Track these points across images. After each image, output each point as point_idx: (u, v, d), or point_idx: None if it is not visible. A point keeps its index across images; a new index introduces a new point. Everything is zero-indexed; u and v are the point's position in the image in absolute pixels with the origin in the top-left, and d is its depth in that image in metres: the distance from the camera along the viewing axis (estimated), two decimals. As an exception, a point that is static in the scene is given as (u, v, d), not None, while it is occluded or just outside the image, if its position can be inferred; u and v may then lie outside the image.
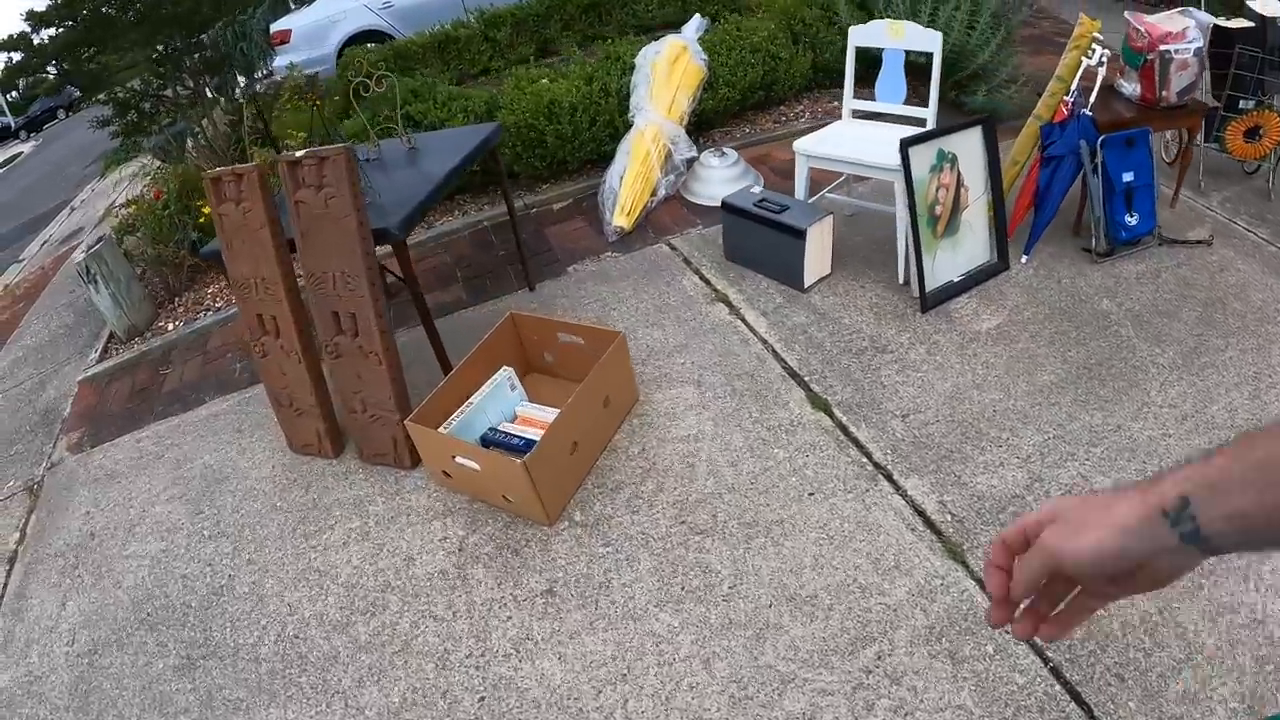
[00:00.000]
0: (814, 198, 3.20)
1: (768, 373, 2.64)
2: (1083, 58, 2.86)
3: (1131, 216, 2.93)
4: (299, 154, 2.14)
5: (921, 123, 2.94)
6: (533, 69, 4.32)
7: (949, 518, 1.98)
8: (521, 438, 2.30)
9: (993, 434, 2.21)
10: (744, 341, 2.83)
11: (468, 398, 2.49)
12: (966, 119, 2.95)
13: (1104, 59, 2.90)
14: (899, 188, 2.77)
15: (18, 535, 2.87)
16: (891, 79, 3.08)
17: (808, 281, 3.05)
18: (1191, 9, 3.05)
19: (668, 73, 3.88)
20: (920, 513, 2.00)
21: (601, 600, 2.01)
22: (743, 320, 2.95)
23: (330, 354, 2.37)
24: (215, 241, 2.46)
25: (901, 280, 2.96)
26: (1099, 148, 2.88)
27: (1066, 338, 2.57)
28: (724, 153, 3.84)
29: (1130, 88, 3.01)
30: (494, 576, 2.14)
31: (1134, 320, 2.61)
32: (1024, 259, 2.97)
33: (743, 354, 2.75)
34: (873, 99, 3.13)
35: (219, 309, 3.90)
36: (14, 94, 24.16)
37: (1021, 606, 0.62)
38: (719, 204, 3.68)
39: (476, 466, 2.18)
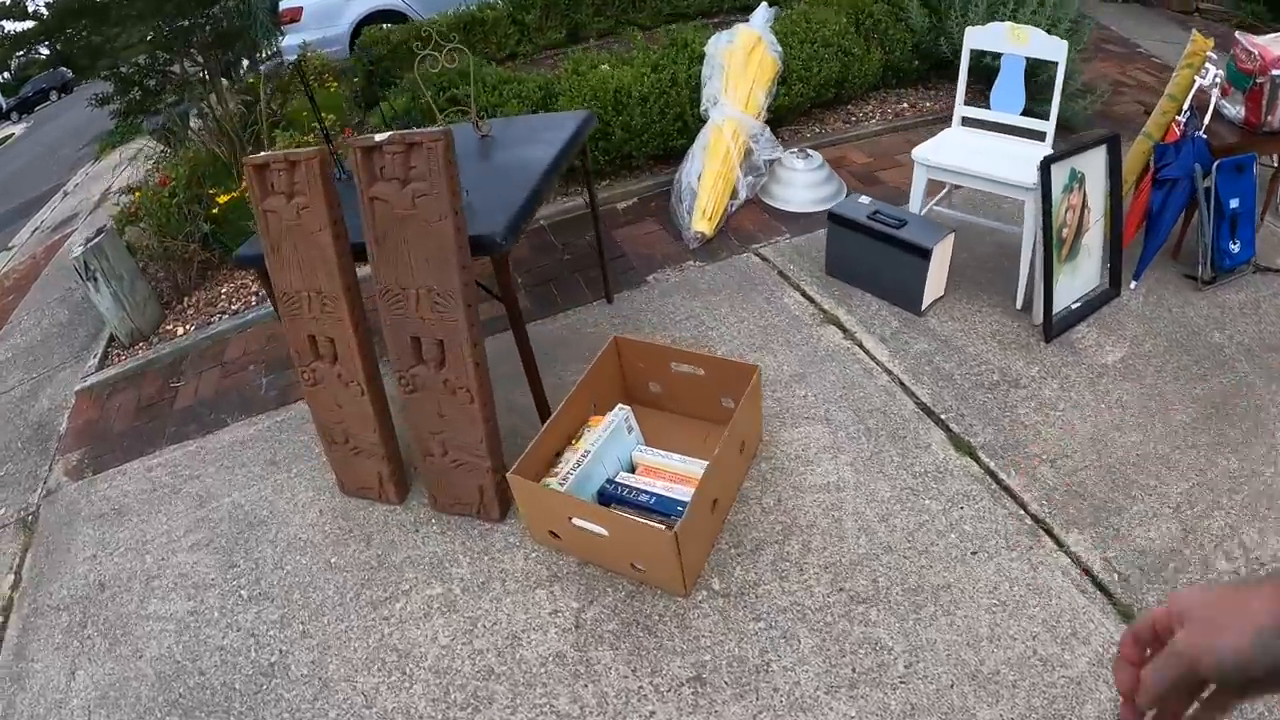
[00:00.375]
0: (923, 210, 2.84)
1: (900, 409, 2.34)
2: (1195, 77, 2.62)
3: (1235, 244, 2.77)
4: (380, 137, 1.69)
5: (1040, 136, 2.72)
6: (590, 53, 3.88)
7: (1115, 576, 1.80)
8: (648, 493, 1.90)
9: (1141, 481, 2.04)
10: (867, 372, 2.50)
11: (570, 438, 2.08)
12: (1091, 135, 2.68)
13: (1217, 79, 2.68)
14: (1030, 208, 2.52)
15: (12, 578, 2.39)
16: (1009, 87, 2.80)
17: (925, 304, 2.74)
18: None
19: (744, 64, 3.48)
20: (1087, 572, 1.81)
21: (762, 688, 1.65)
22: (860, 346, 2.61)
23: (405, 387, 1.93)
24: (252, 241, 2.01)
25: (1019, 305, 2.71)
26: (1213, 172, 2.66)
27: (1189, 373, 2.41)
28: (808, 154, 3.45)
29: (1234, 110, 2.75)
30: (625, 661, 1.73)
31: (1246, 355, 2.46)
32: (1133, 284, 2.76)
33: (868, 386, 2.43)
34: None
35: (235, 311, 3.42)
36: (5, 75, 23.16)
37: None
38: (804, 210, 3.36)
39: (603, 532, 1.77)
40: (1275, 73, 2.58)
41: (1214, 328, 2.59)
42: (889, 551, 1.88)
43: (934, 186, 3.05)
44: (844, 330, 2.68)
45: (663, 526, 1.71)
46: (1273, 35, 2.76)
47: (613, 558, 1.86)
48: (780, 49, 3.64)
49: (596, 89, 3.41)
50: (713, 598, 1.84)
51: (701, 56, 3.59)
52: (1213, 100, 2.70)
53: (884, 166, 3.75)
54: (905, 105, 4.21)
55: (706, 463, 1.95)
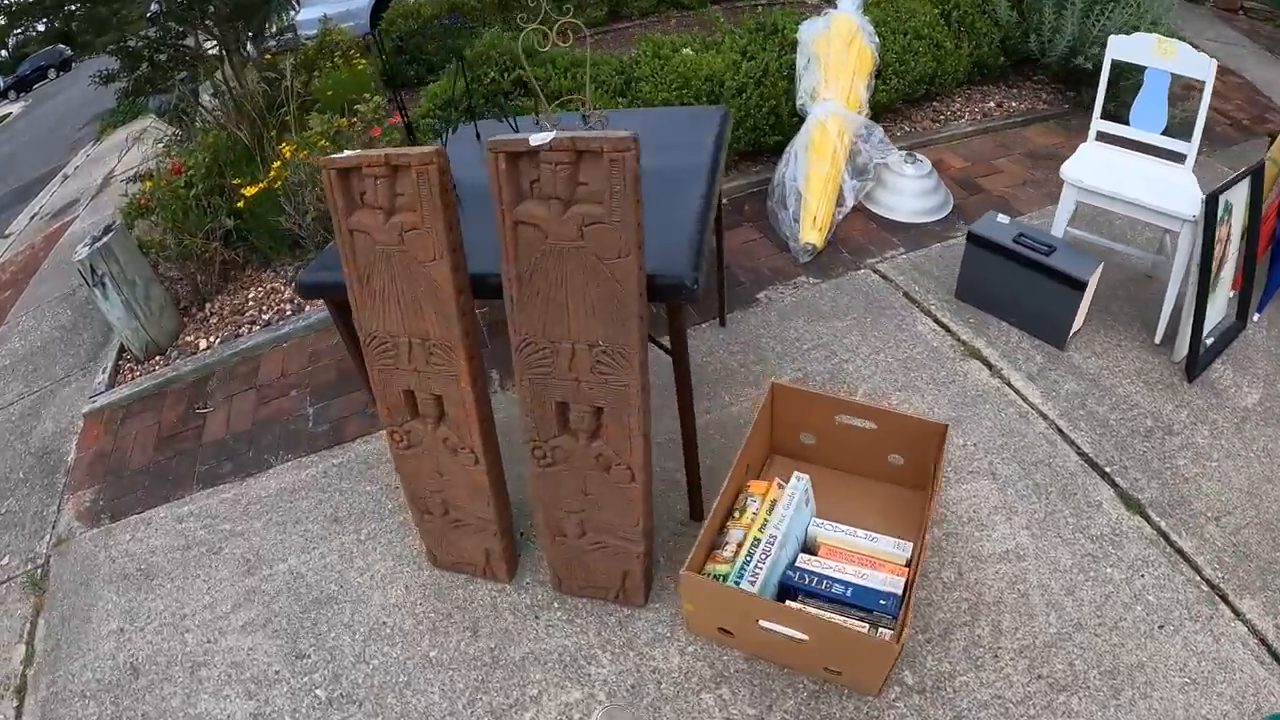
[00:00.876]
0: (1063, 232, 2.51)
1: (1064, 461, 2.08)
2: None
3: None
4: (538, 139, 1.23)
5: (1180, 158, 2.48)
6: (670, 35, 3.45)
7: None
8: (841, 582, 1.54)
9: (1299, 538, 1.89)
10: (1022, 416, 2.21)
11: (729, 510, 1.70)
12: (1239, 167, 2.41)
13: None
14: (1185, 240, 2.29)
15: (23, 649, 1.98)
16: (1152, 103, 2.54)
17: (1069, 337, 2.45)
18: None
19: (843, 54, 3.09)
20: (1263, 641, 1.67)
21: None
22: (1009, 385, 2.32)
23: (540, 459, 1.53)
24: (323, 263, 1.59)
25: (1158, 339, 2.47)
26: None
27: None
28: (917, 159, 3.07)
29: None
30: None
31: None
32: (1256, 317, 2.54)
33: (1027, 434, 2.15)
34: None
35: (268, 322, 2.97)
36: (3, 52, 22.07)
37: None
38: (911, 221, 3.00)
39: (801, 637, 1.40)
40: None
41: None
42: (1080, 629, 1.69)
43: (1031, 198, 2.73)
44: (989, 366, 2.37)
45: (865, 627, 1.45)
46: None
47: (802, 660, 1.50)
48: (877, 39, 3.25)
49: (687, 76, 2.99)
50: (907, 694, 1.55)
51: (794, 44, 3.19)
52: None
53: (983, 173, 3.39)
54: (992, 104, 3.83)
55: (898, 541, 1.65)
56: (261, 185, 3.07)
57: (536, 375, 1.42)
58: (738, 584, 1.56)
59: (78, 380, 3.03)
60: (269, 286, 3.15)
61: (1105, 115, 2.61)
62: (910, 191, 3.03)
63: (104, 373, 2.91)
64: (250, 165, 3.31)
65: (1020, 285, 2.44)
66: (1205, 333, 2.41)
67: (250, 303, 3.09)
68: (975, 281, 2.56)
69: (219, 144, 3.25)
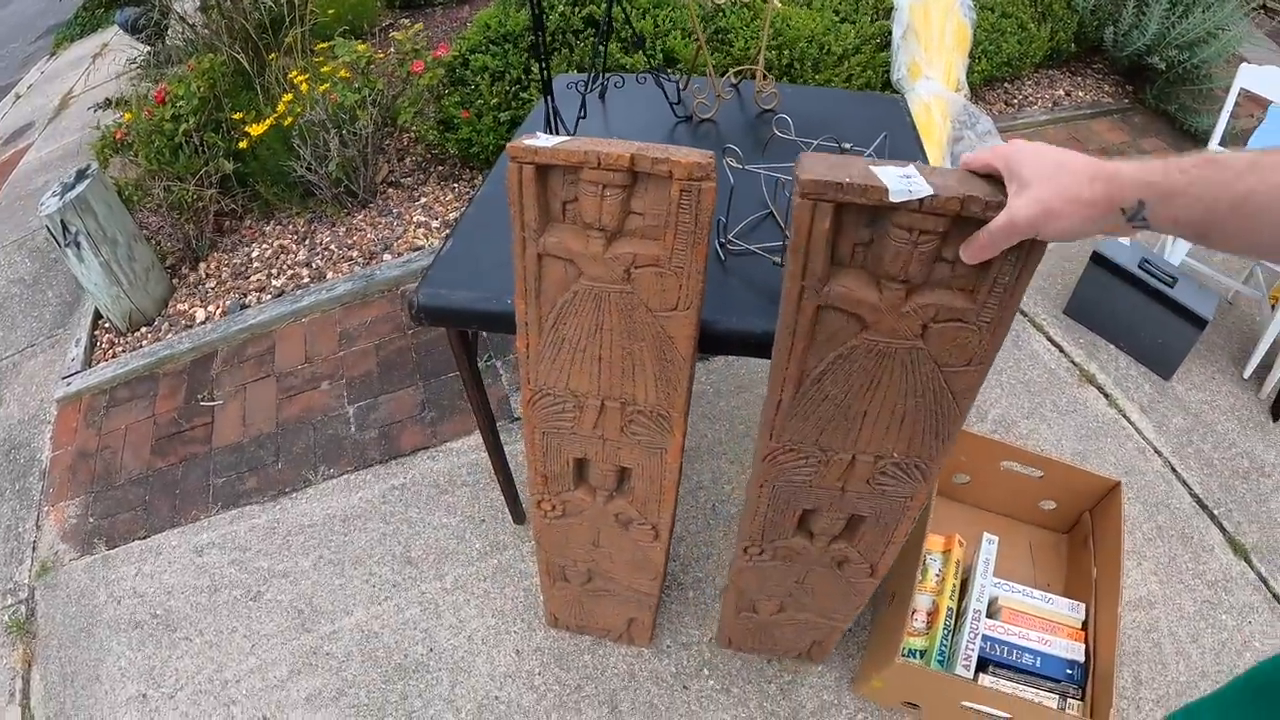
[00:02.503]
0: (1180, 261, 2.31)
1: (1179, 502, 2.01)
2: None
3: None
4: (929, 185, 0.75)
5: None
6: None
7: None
8: (1030, 651, 1.39)
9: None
10: (1141, 452, 2.11)
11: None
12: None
13: None
14: None
15: (18, 713, 1.57)
16: (1272, 139, 2.39)
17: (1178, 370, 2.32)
18: None
19: (942, 27, 2.74)
20: None
21: None
22: (1126, 418, 2.20)
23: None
24: (445, 274, 1.16)
25: (1246, 375, 2.39)
26: None
27: None
28: (1007, 149, 2.80)
29: None
30: None
31: None
32: None
33: (1147, 472, 2.06)
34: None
35: (279, 290, 2.45)
36: None
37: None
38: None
39: (1006, 716, 1.29)
40: None
41: None
42: (1204, 677, 1.64)
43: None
44: (1105, 395, 2.24)
45: (1055, 698, 1.35)
46: None
47: None
48: (974, 14, 2.90)
49: (785, 37, 2.57)
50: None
51: (889, 10, 2.82)
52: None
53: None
54: (1061, 92, 3.56)
55: (1073, 603, 1.54)
56: (269, 122, 2.54)
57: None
58: (942, 665, 1.39)
59: (45, 351, 2.46)
60: (276, 244, 2.63)
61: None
62: (1000, 185, 2.76)
63: (78, 345, 2.37)
64: (249, 95, 2.75)
65: (1139, 313, 2.28)
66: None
67: (255, 264, 2.57)
68: (1091, 302, 2.38)
69: (214, 69, 2.66)
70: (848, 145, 1.18)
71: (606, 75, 1.56)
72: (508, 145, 0.87)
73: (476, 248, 1.22)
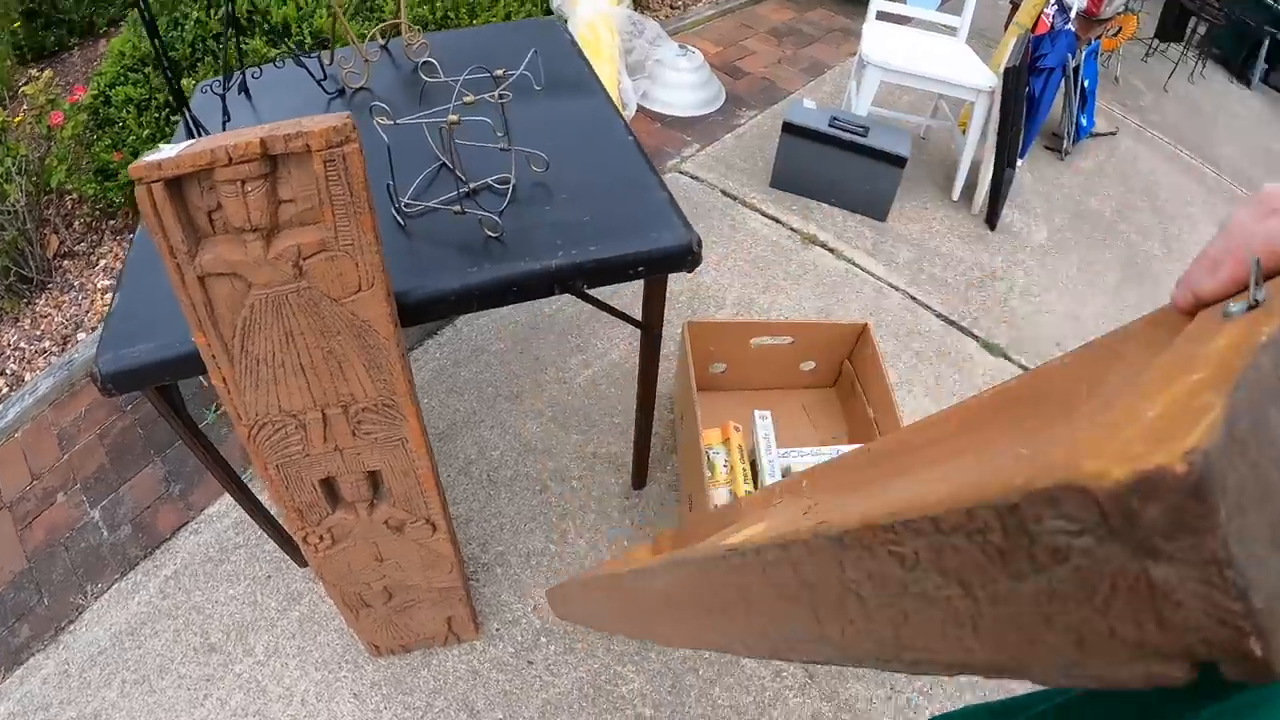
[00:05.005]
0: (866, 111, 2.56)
1: (927, 325, 2.23)
2: None
3: (1084, 118, 3.13)
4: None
5: (952, 31, 2.69)
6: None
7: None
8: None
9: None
10: (879, 293, 2.32)
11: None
12: None
13: None
14: (981, 109, 2.46)
15: None
16: None
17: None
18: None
19: (596, -56, 2.78)
20: None
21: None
22: (857, 266, 2.41)
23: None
24: (119, 336, 1.02)
25: (955, 196, 2.70)
26: (1083, 59, 2.96)
27: (1095, 241, 2.65)
28: (689, 50, 2.92)
29: (1079, 2, 2.86)
30: None
31: (1120, 217, 2.80)
32: (1020, 162, 2.85)
33: (890, 308, 2.27)
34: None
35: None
36: None
37: None
38: (689, 114, 2.93)
39: None
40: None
41: (1088, 195, 2.90)
42: None
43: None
44: (831, 250, 2.44)
45: None
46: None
47: None
48: None
49: None
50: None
51: None
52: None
53: (738, 56, 3.36)
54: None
55: (861, 446, 1.57)
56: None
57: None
58: None
59: None
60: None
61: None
62: (688, 85, 2.89)
63: None
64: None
65: (841, 167, 2.46)
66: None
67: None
68: (794, 169, 2.54)
69: None
70: (499, 71, 1.17)
71: (243, 69, 1.44)
72: (129, 168, 0.77)
73: (146, 294, 1.08)
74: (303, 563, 1.61)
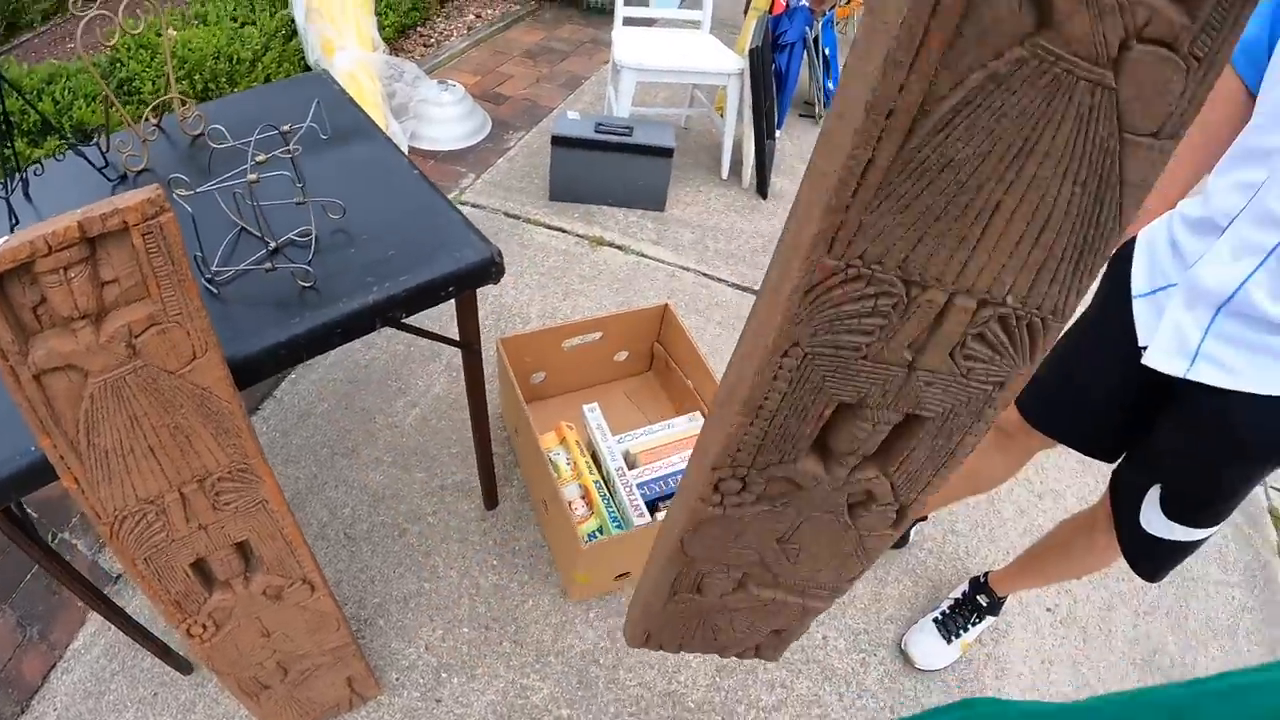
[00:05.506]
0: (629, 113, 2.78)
1: (724, 296, 2.45)
2: None
3: (830, 81, 3.51)
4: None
5: (696, 24, 2.94)
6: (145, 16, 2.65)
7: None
8: (683, 470, 1.62)
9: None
10: (672, 276, 2.53)
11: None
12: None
13: None
14: (734, 92, 2.71)
15: None
16: None
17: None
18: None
19: (341, -2, 2.79)
20: None
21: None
22: (646, 256, 2.60)
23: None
24: None
25: (724, 175, 2.96)
26: (820, 29, 3.30)
27: None
28: (450, 85, 3.00)
29: None
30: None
31: None
32: (779, 132, 3.15)
33: (685, 288, 2.48)
34: None
35: None
36: None
37: None
38: (458, 147, 3.03)
39: None
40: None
41: None
42: None
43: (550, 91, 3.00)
44: (619, 247, 2.60)
45: None
46: (830, -87, 3.26)
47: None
48: None
49: (191, 63, 2.38)
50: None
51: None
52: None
53: (497, 83, 3.48)
54: (471, 16, 3.87)
55: (689, 416, 1.79)
56: None
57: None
58: (621, 528, 1.55)
59: None
60: None
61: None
62: (453, 118, 2.97)
63: None
64: None
65: (613, 169, 2.64)
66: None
67: None
68: (568, 179, 2.68)
69: None
70: (285, 127, 1.22)
71: (20, 169, 1.36)
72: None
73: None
74: (186, 669, 1.52)
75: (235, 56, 2.52)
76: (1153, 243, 1.11)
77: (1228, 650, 1.79)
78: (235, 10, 2.72)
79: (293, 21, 2.75)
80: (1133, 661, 1.72)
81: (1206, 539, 1.15)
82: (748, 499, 0.71)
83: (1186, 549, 1.16)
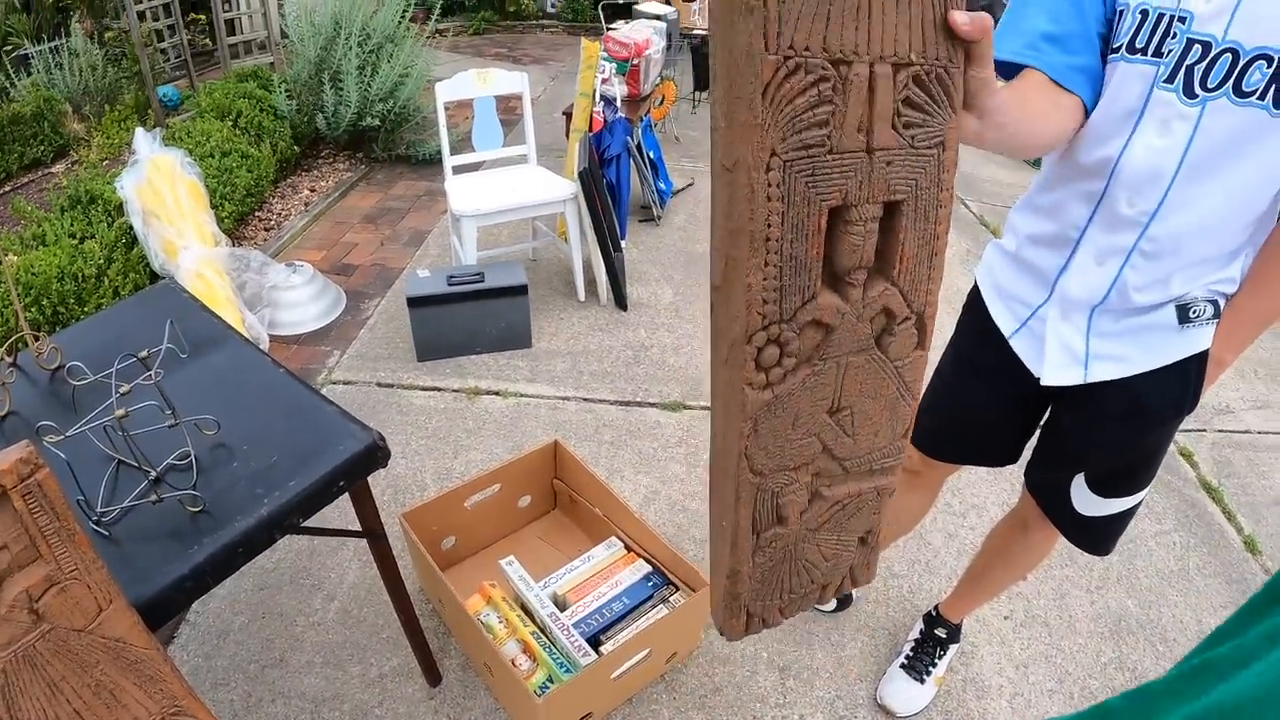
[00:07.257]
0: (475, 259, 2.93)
1: (610, 416, 2.55)
2: (595, 75, 3.28)
3: (661, 182, 3.82)
4: None
5: (523, 158, 3.10)
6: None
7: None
8: (611, 600, 1.71)
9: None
10: (555, 409, 2.59)
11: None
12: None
13: (610, 72, 3.44)
14: (572, 215, 2.90)
15: None
16: (487, 126, 3.09)
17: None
18: (645, 21, 3.90)
19: (174, 194, 2.82)
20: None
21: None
22: (524, 395, 2.66)
23: (781, 360, 0.68)
24: None
25: (582, 297, 3.12)
26: (641, 135, 3.58)
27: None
28: (297, 266, 3.06)
29: (619, 89, 3.53)
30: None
31: None
32: (624, 243, 3.31)
33: (571, 419, 2.54)
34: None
35: None
36: None
37: None
38: (318, 326, 3.02)
39: (646, 651, 1.60)
40: (647, 52, 3.60)
41: (691, 243, 3.58)
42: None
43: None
44: (496, 393, 2.64)
45: (665, 607, 1.67)
46: (627, 27, 3.71)
47: (649, 670, 1.67)
48: (198, 168, 3.05)
49: (36, 287, 2.35)
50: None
51: (120, 206, 2.78)
52: (616, 87, 3.38)
53: (344, 254, 3.54)
54: (306, 192, 3.97)
55: (606, 543, 1.84)
56: None
57: None
58: (569, 672, 1.57)
59: None
60: None
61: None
62: (306, 299, 2.99)
63: None
64: None
65: (474, 317, 2.71)
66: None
67: None
68: (431, 336, 2.72)
69: None
70: (144, 353, 1.25)
71: None
72: None
73: None
74: None
75: (80, 274, 2.49)
76: (998, 284, 1.20)
77: (1185, 591, 1.97)
78: (73, 226, 2.71)
79: (132, 229, 2.76)
80: (1102, 636, 1.84)
81: (1143, 499, 1.23)
82: (788, 364, 0.74)
83: (1127, 516, 1.23)
